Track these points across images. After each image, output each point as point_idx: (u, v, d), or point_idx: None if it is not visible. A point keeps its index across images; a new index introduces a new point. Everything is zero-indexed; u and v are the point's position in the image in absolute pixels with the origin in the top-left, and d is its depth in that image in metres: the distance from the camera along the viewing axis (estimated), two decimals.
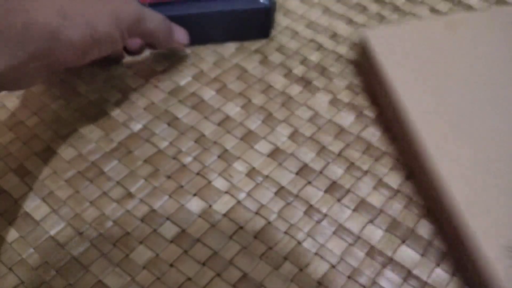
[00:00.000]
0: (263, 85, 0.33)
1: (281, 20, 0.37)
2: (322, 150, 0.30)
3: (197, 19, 0.33)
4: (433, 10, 0.38)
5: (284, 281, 0.25)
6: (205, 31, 0.34)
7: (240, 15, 0.33)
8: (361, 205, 0.28)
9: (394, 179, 0.29)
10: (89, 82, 0.33)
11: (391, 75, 0.30)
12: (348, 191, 0.28)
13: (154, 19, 0.29)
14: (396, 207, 0.28)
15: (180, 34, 0.32)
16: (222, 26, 0.34)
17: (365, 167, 0.29)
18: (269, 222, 0.27)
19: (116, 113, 0.32)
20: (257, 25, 0.35)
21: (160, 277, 0.25)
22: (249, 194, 0.28)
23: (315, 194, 0.28)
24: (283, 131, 0.31)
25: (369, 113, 0.32)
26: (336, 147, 0.30)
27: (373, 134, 0.31)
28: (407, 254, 0.26)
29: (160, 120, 0.32)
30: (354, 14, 0.38)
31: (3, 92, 0.32)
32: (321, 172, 0.29)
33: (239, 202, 0.28)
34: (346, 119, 0.32)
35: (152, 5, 0.32)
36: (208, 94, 0.33)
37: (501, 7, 0.38)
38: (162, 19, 0.30)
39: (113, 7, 0.26)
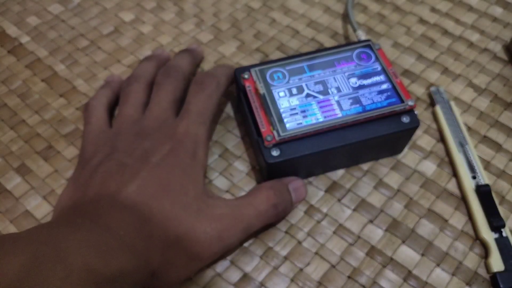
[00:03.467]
0: None
1: (281, 19, 0.37)
2: None
3: (337, 152, 0.27)
4: (434, 10, 0.38)
5: (284, 281, 0.25)
6: (339, 160, 0.28)
7: (386, 138, 0.27)
8: (361, 205, 0.28)
9: (394, 179, 0.29)
10: (90, 81, 0.33)
11: None
12: (348, 191, 0.28)
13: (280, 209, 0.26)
14: (396, 207, 0.28)
15: (298, 194, 0.27)
16: (360, 152, 0.28)
17: (365, 167, 0.29)
18: None
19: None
20: (395, 144, 0.29)
21: None
22: None
23: (315, 193, 0.28)
24: None
25: None
26: None
27: None
28: (407, 254, 0.26)
29: None
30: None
31: (4, 90, 0.32)
32: None
33: None
34: None
35: (280, 144, 0.26)
36: None
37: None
38: (286, 193, 0.27)
39: (245, 224, 0.24)
